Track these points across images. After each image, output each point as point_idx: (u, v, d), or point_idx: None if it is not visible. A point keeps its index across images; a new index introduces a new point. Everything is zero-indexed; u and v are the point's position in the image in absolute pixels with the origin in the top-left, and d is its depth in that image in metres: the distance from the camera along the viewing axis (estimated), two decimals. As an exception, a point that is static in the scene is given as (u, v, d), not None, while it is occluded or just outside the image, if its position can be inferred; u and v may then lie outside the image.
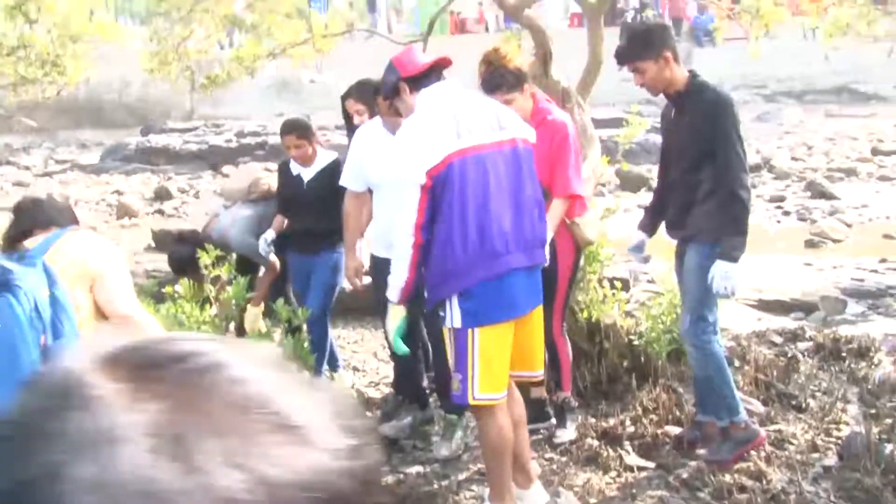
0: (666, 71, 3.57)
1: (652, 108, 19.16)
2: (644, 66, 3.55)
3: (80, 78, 6.94)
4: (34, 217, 2.91)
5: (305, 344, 3.98)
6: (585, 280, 4.51)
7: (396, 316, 3.17)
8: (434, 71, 3.15)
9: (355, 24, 11.71)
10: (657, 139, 14.97)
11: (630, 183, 11.68)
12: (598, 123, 6.24)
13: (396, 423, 4.29)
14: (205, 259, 3.82)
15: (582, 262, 4.27)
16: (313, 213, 4.44)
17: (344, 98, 4.62)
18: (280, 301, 3.76)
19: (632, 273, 4.17)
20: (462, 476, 3.83)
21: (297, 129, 4.61)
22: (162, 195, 13.40)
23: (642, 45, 3.57)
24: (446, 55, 3.29)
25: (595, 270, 4.53)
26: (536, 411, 4.01)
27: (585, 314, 4.46)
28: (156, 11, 7.22)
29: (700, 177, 3.60)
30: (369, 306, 5.18)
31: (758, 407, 4.14)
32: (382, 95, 3.31)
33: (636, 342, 4.43)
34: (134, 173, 15.46)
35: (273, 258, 4.72)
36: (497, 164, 3.06)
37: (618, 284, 4.77)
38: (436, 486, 3.73)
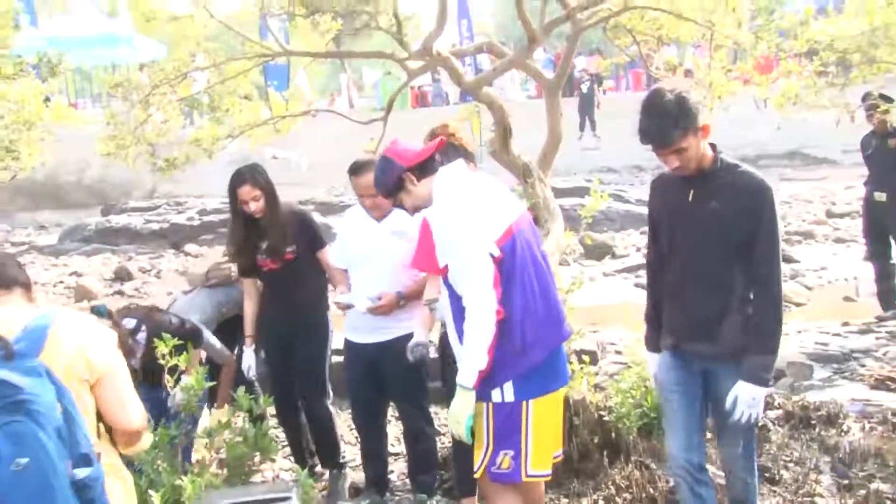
0: (702, 144, 2.98)
1: (612, 177, 19.42)
2: (689, 142, 2.93)
3: (35, 163, 6.85)
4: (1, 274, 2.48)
5: (268, 432, 3.85)
6: (552, 356, 4.45)
7: (470, 401, 2.90)
8: (433, 156, 3.14)
9: (314, 104, 11.81)
10: (619, 207, 15.25)
11: (594, 251, 11.77)
12: (560, 193, 6.30)
13: None
14: (161, 348, 3.69)
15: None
16: None
17: (236, 185, 4.24)
18: (241, 389, 3.64)
19: None
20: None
21: None
22: (122, 276, 13.17)
23: (685, 120, 2.90)
24: (441, 138, 3.30)
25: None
26: None
27: (554, 391, 4.38)
28: (112, 94, 7.19)
29: (732, 277, 3.03)
30: (337, 387, 5.06)
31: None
32: (384, 192, 3.17)
33: (606, 417, 4.36)
34: (94, 254, 15.18)
35: (226, 353, 4.56)
36: (530, 234, 3.10)
37: (586, 358, 4.72)
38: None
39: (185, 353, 3.75)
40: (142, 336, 4.01)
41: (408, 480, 4.33)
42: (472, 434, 2.98)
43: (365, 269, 3.99)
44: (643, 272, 11.14)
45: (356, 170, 4.00)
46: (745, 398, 3.01)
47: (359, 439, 4.64)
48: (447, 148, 3.51)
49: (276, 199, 4.32)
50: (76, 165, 19.42)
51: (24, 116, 6.41)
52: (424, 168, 3.07)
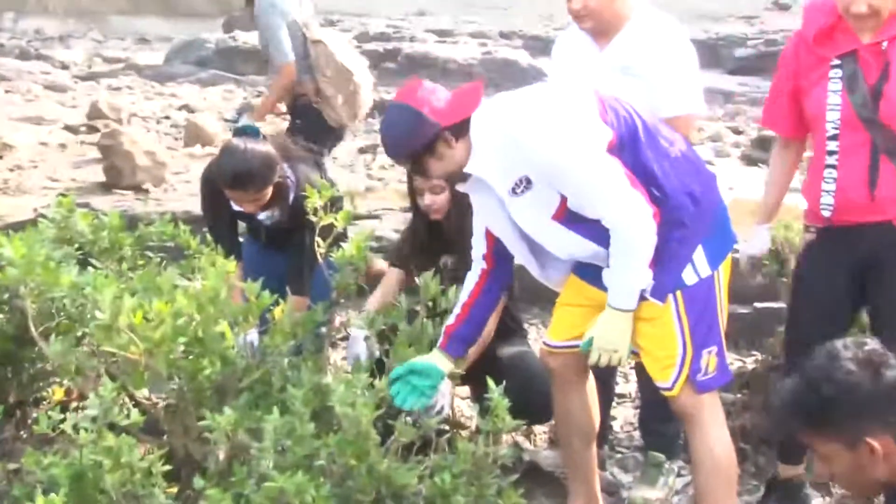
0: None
1: None
2: (826, 449, 1.95)
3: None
4: None
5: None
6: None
7: (629, 323, 2.60)
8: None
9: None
10: None
11: None
12: None
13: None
14: (314, 199, 2.91)
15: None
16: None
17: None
18: (428, 275, 2.88)
19: None
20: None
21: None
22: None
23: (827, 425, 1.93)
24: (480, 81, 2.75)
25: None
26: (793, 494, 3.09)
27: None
28: None
29: None
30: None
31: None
32: (406, 156, 2.59)
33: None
34: (211, 83, 13.65)
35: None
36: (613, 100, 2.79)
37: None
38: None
39: (344, 211, 3.01)
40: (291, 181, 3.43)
41: (635, 433, 3.36)
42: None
43: None
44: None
45: None
46: None
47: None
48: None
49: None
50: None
51: None
52: (463, 126, 2.55)
